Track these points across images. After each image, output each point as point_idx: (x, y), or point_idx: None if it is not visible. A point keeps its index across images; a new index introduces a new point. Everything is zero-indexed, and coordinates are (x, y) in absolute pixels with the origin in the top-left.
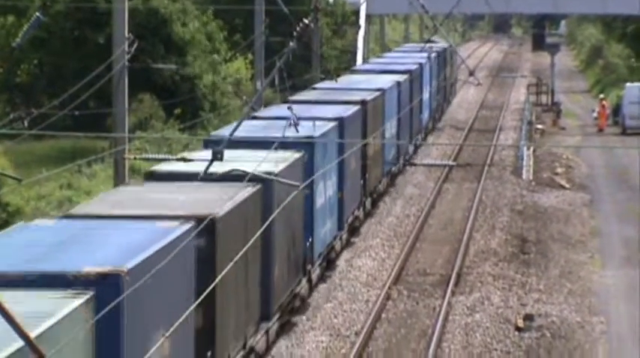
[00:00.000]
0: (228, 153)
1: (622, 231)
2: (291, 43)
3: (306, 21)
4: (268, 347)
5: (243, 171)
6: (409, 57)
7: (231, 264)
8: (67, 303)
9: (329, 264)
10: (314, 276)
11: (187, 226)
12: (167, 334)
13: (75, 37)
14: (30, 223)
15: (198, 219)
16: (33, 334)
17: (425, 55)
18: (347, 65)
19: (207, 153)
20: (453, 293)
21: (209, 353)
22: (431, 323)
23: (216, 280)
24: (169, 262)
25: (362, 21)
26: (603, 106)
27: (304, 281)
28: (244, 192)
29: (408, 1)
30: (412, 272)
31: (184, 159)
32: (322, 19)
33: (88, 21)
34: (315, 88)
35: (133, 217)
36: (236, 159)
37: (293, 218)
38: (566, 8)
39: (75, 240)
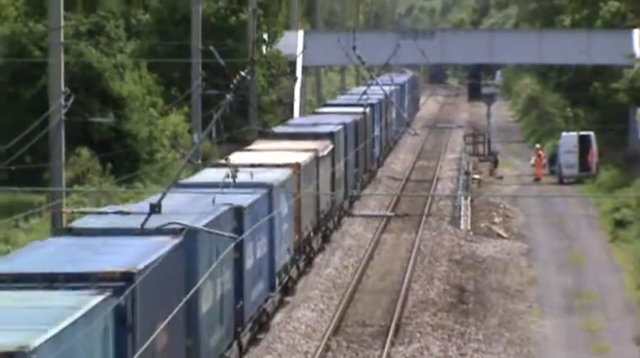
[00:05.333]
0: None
1: (560, 280)
2: (227, 96)
3: (242, 73)
4: None
5: (180, 224)
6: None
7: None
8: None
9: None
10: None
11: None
12: None
13: (9, 92)
14: None
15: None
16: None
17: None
18: (283, 117)
19: (145, 206)
20: (392, 343)
21: None
22: None
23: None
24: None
25: (298, 72)
26: (539, 156)
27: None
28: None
29: (344, 52)
30: (351, 323)
31: (122, 213)
32: (258, 71)
33: (21, 74)
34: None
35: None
36: (174, 213)
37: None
38: (501, 58)
39: None
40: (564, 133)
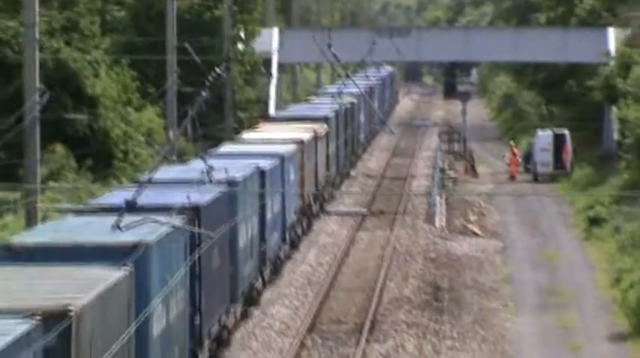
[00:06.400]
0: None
1: (534, 277)
2: (203, 93)
3: (218, 70)
4: None
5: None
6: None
7: None
8: None
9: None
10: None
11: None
12: None
13: None
14: None
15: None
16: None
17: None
18: (259, 114)
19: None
20: (367, 341)
21: None
22: None
23: None
24: None
25: (274, 70)
26: (514, 154)
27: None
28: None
29: (319, 49)
30: (326, 320)
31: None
32: (234, 68)
33: None
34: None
35: None
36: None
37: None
38: (477, 56)
39: None
40: (539, 131)
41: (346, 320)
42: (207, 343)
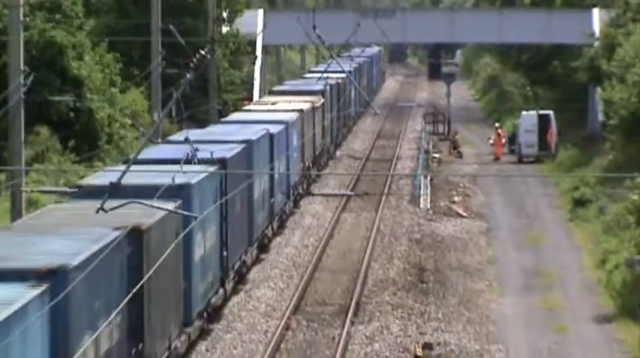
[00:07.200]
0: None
1: (519, 258)
2: (187, 75)
3: (202, 52)
4: None
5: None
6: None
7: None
8: None
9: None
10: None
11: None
12: None
13: None
14: None
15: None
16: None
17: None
18: (244, 96)
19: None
20: (352, 322)
21: None
22: (330, 353)
23: None
24: None
25: (258, 51)
26: (499, 135)
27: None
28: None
29: (304, 31)
30: (311, 302)
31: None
32: (218, 50)
33: None
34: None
35: None
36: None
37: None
38: (461, 37)
39: None
40: (524, 112)
41: (331, 301)
42: (232, 274)
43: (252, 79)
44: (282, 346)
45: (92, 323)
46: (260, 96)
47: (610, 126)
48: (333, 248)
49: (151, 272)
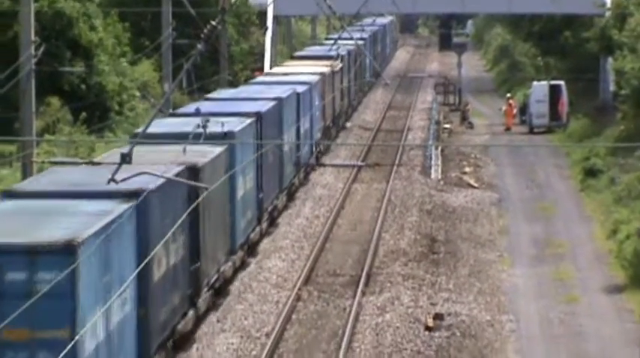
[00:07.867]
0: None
1: (530, 229)
2: (198, 45)
3: (213, 23)
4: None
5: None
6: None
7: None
8: None
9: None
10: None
11: None
12: None
13: None
14: None
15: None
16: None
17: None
18: (254, 67)
19: (116, 157)
20: (363, 293)
21: None
22: (341, 324)
23: None
24: None
25: (269, 22)
26: (510, 105)
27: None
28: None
29: (315, 1)
30: (322, 273)
31: (92, 163)
32: (229, 21)
33: None
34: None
35: None
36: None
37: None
38: (473, 8)
39: None
40: (535, 83)
41: (342, 272)
42: (266, 215)
43: (262, 49)
44: (294, 317)
45: (164, 238)
46: (271, 67)
47: (621, 96)
48: (344, 218)
49: (202, 197)
